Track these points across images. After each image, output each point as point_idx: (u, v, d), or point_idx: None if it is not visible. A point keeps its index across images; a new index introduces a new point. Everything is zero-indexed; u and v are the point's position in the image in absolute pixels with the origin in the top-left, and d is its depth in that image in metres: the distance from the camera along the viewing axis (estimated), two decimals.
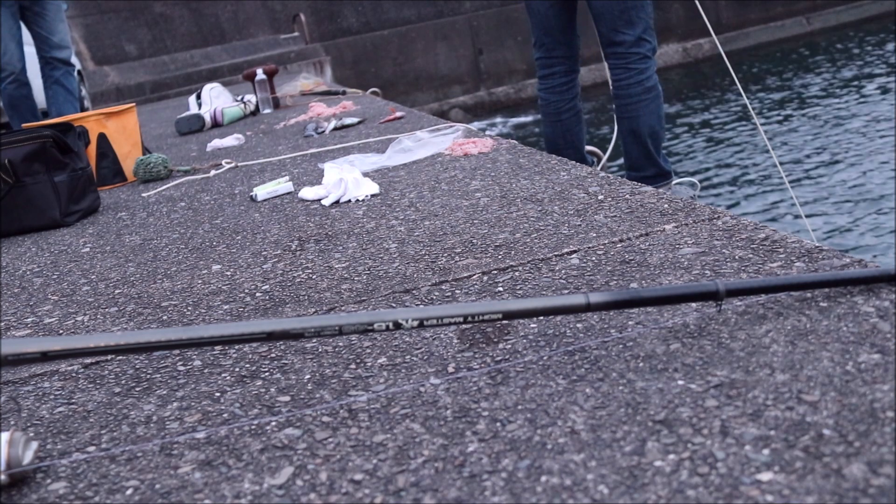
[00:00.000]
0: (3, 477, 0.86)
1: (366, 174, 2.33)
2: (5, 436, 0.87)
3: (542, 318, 1.11)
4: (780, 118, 7.79)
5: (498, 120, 10.87)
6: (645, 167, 2.78)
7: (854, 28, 12.70)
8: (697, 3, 3.00)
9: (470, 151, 2.41)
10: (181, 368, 1.17)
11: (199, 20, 11.97)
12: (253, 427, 0.94)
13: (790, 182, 5.56)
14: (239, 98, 5.23)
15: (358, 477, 0.80)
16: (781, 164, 6.12)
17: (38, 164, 2.49)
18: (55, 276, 1.88)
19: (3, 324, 1.56)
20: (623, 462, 0.75)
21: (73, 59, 8.54)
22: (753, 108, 8.31)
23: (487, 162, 2.26)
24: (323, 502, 0.77)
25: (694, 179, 3.02)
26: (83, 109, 8.14)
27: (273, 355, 1.16)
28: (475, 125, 6.60)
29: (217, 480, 0.84)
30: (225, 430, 0.94)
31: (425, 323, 0.93)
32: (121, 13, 11.56)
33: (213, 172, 3.00)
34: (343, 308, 1.33)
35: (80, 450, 0.96)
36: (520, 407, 0.89)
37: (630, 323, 1.06)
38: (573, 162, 2.11)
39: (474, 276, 1.36)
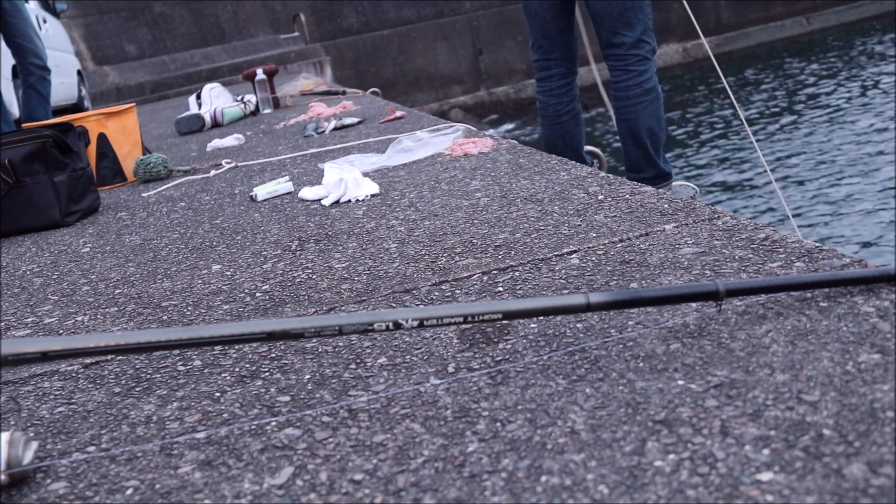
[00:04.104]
0: (3, 477, 0.86)
1: (366, 174, 2.33)
2: (5, 436, 0.87)
3: (542, 318, 1.11)
4: (780, 118, 7.79)
5: (508, 126, 10.87)
6: (645, 168, 2.77)
7: (854, 28, 12.70)
8: (688, 9, 2.98)
9: (470, 151, 2.41)
10: (181, 368, 1.17)
11: (199, 20, 11.97)
12: (253, 427, 0.94)
13: (788, 182, 5.56)
14: (239, 98, 5.23)
15: (358, 477, 0.80)
16: (781, 164, 6.12)
17: (38, 164, 2.49)
18: (55, 276, 1.88)
19: (3, 324, 1.56)
20: (623, 462, 0.75)
21: (73, 60, 8.55)
22: (752, 108, 8.31)
23: (487, 162, 2.26)
24: (323, 502, 0.77)
25: (694, 186, 3.02)
26: (83, 109, 8.16)
27: (273, 355, 1.16)
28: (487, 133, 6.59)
29: (217, 480, 0.84)
30: (225, 430, 0.94)
31: (425, 323, 0.93)
32: (121, 13, 11.56)
33: (213, 172, 3.00)
34: (343, 308, 1.33)
35: (80, 450, 0.96)
36: (520, 407, 0.89)
37: (630, 323, 1.06)
38: (573, 162, 2.11)
39: (474, 276, 1.36)
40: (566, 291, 1.22)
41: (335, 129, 3.61)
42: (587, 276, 1.27)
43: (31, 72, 4.65)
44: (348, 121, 3.69)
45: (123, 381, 1.15)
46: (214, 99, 5.00)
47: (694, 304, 1.07)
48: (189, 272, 1.70)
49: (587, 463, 0.76)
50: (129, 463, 0.91)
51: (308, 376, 1.06)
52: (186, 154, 3.86)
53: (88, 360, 1.25)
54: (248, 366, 1.14)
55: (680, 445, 0.76)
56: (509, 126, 10.77)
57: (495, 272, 1.37)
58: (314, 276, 1.52)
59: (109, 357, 1.25)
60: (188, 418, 1.00)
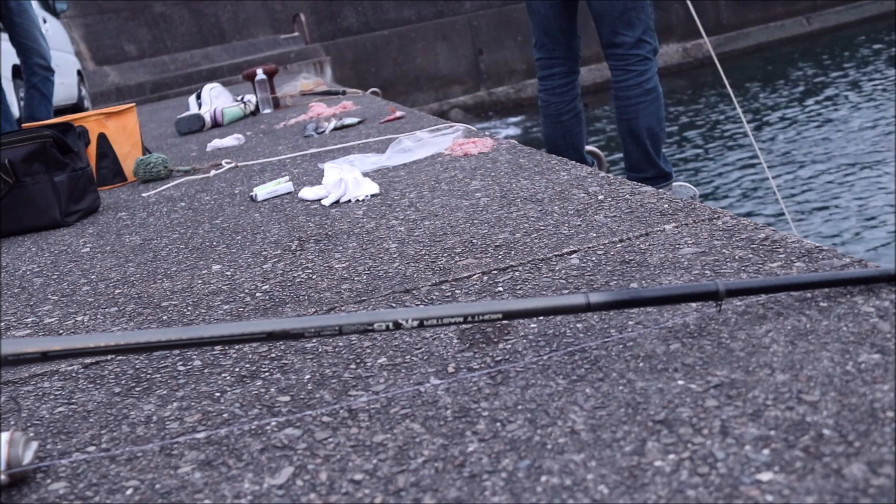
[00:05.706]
0: (3, 477, 0.86)
1: (366, 174, 2.33)
2: (5, 436, 0.87)
3: (542, 318, 1.11)
4: (780, 118, 7.79)
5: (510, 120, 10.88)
6: (644, 168, 2.77)
7: (854, 28, 12.70)
8: (692, 8, 2.98)
9: (470, 151, 2.41)
10: (181, 368, 1.17)
11: (199, 20, 11.97)
12: (253, 427, 0.94)
13: (787, 182, 5.55)
14: (239, 98, 5.23)
15: (358, 477, 0.80)
16: (780, 165, 6.12)
17: (38, 164, 2.49)
18: (55, 276, 1.88)
19: (3, 324, 1.56)
20: (623, 462, 0.75)
21: (73, 60, 8.56)
22: (752, 109, 8.31)
23: (487, 162, 2.26)
24: (323, 502, 0.77)
25: (694, 189, 3.01)
26: (83, 109, 8.17)
27: (273, 355, 1.16)
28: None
29: (217, 480, 0.84)
30: (225, 430, 0.94)
31: (425, 323, 0.93)
32: (121, 13, 11.57)
33: (213, 172, 2.99)
34: (343, 308, 1.33)
35: (80, 450, 0.96)
36: (520, 407, 0.89)
37: (630, 323, 1.06)
38: (573, 162, 2.11)
39: (474, 276, 1.36)
40: (566, 291, 1.22)
41: (335, 129, 3.61)
42: (587, 276, 1.27)
43: (34, 72, 4.66)
44: (348, 121, 3.69)
45: (123, 381, 1.15)
46: (214, 99, 5.00)
47: (694, 304, 1.07)
48: (189, 272, 1.70)
49: (587, 463, 0.76)
50: (129, 463, 0.91)
51: (308, 376, 1.06)
52: (186, 154, 3.86)
53: (88, 360, 1.25)
54: (248, 366, 1.14)
55: (680, 445, 0.76)
56: (512, 121, 10.79)
57: (495, 272, 1.37)
58: (314, 276, 1.52)
59: (109, 357, 1.25)
60: (188, 418, 1.00)
